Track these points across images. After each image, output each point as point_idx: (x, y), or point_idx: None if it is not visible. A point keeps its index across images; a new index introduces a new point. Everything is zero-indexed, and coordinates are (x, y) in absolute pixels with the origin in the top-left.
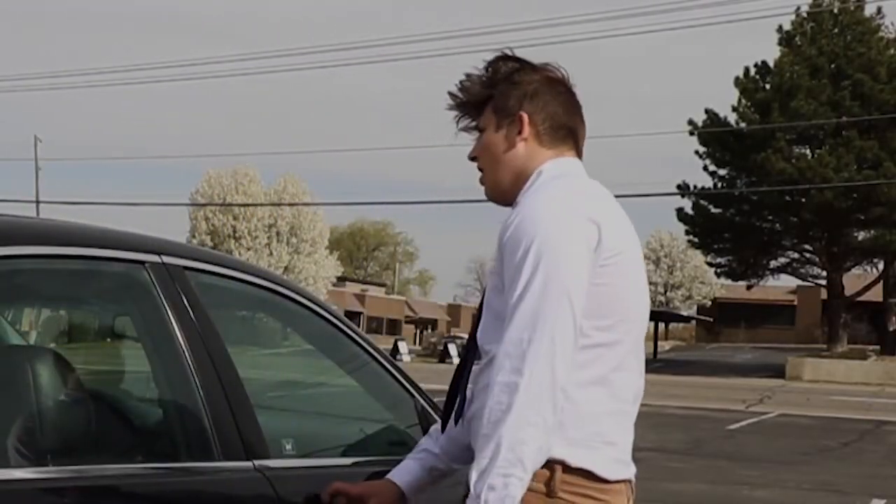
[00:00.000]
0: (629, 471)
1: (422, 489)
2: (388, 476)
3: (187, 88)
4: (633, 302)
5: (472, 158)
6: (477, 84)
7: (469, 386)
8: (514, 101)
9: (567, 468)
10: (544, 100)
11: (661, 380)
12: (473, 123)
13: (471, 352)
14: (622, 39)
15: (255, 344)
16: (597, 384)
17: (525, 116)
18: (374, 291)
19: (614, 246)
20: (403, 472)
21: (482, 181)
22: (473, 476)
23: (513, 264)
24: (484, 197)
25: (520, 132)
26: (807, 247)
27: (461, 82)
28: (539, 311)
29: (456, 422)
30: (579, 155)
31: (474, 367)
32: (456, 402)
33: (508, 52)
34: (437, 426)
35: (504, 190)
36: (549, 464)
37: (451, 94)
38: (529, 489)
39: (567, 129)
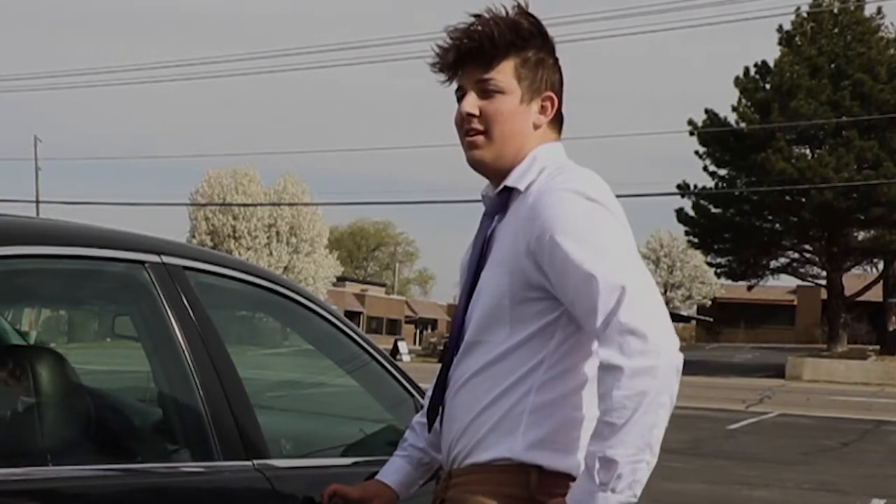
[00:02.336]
0: None
1: (412, 485)
2: (379, 476)
3: (187, 88)
4: None
5: (469, 115)
6: (503, 35)
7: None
8: (544, 77)
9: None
10: (560, 80)
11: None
12: (487, 77)
13: (453, 343)
14: (622, 39)
15: (255, 344)
16: (591, 383)
17: (555, 99)
18: (374, 291)
19: None
20: (393, 471)
21: (473, 144)
22: (595, 464)
23: (580, 248)
24: (479, 197)
25: (544, 113)
26: (807, 247)
27: (481, 27)
28: (646, 288)
29: (440, 414)
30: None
31: (455, 358)
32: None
33: (525, 5)
34: (418, 418)
35: (503, 166)
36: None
37: (463, 33)
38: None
39: (562, 117)
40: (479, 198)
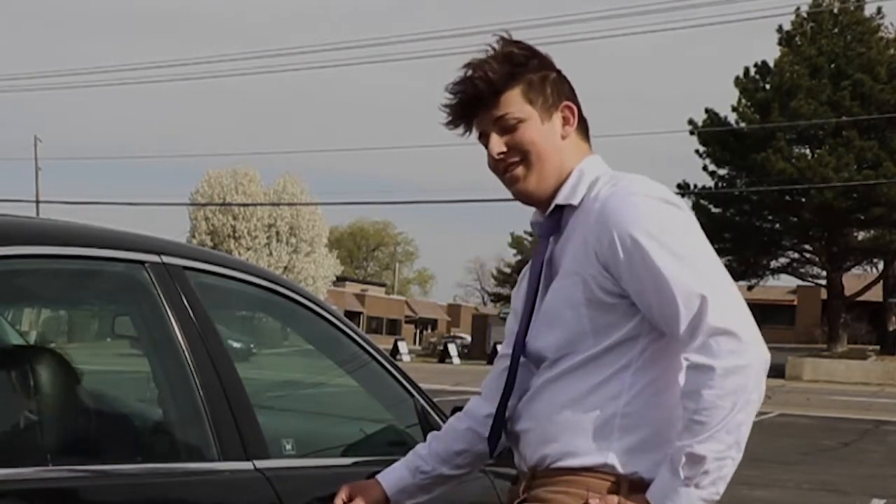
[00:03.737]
0: None
1: (405, 490)
2: (377, 476)
3: (187, 88)
4: None
5: (500, 154)
6: (498, 71)
7: (519, 394)
8: (554, 90)
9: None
10: (571, 88)
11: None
12: (501, 114)
13: (516, 360)
14: (622, 39)
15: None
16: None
17: (573, 106)
18: (373, 291)
19: None
20: (388, 473)
21: (515, 179)
22: (682, 459)
23: (662, 258)
24: (479, 197)
25: (567, 123)
26: (807, 247)
27: (475, 72)
28: (731, 289)
29: (504, 434)
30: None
31: (524, 374)
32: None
33: (508, 37)
34: (433, 433)
35: (548, 188)
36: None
37: (461, 84)
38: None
39: (587, 124)
40: (480, 198)
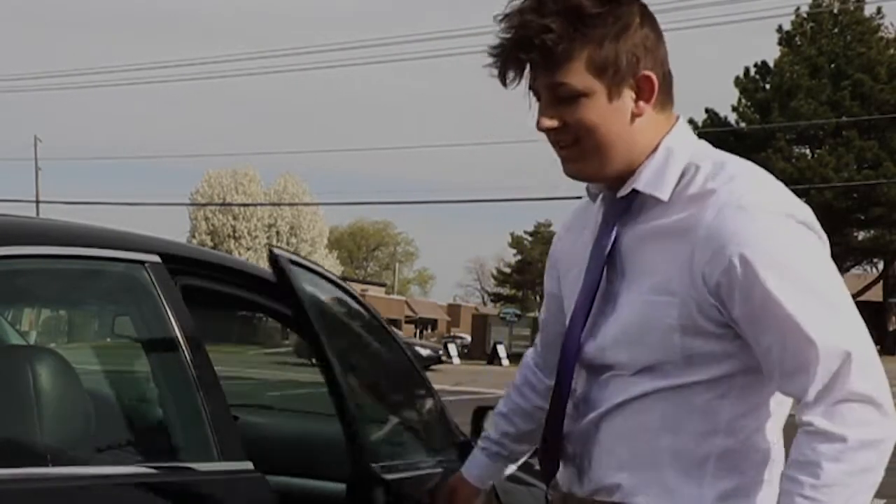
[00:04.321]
0: None
1: (492, 476)
2: (461, 469)
3: (188, 88)
4: None
5: (552, 129)
6: (560, 30)
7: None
8: (630, 57)
9: None
10: (653, 43)
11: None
12: (556, 81)
13: (570, 363)
14: None
15: (255, 344)
16: (775, 423)
17: (653, 77)
18: (374, 291)
19: None
20: (472, 466)
21: (568, 159)
22: None
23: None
24: (479, 197)
25: (645, 98)
26: None
27: (536, 17)
28: (871, 347)
29: (558, 445)
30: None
31: (578, 382)
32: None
33: None
34: (501, 408)
35: (614, 172)
36: None
37: (518, 24)
38: None
39: (670, 75)
40: (482, 198)
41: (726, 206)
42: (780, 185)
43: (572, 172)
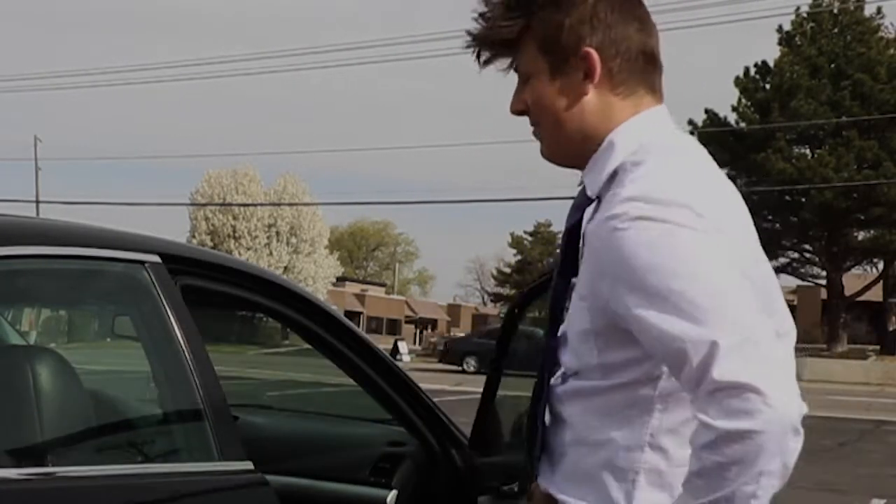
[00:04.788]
0: None
1: None
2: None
3: (187, 88)
4: None
5: (519, 112)
6: (505, 12)
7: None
8: (571, 34)
9: None
10: (610, 20)
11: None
12: (510, 64)
13: (548, 369)
14: None
15: (255, 344)
16: None
17: (593, 54)
18: (373, 291)
19: None
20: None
21: (537, 136)
22: None
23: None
24: (479, 197)
25: (588, 76)
26: (807, 247)
27: (481, 13)
28: (746, 331)
29: (539, 455)
30: (660, 92)
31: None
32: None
33: None
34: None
35: (568, 155)
36: None
37: (470, 32)
38: None
39: (645, 58)
40: (482, 198)
41: (603, 213)
42: (673, 178)
43: (543, 155)
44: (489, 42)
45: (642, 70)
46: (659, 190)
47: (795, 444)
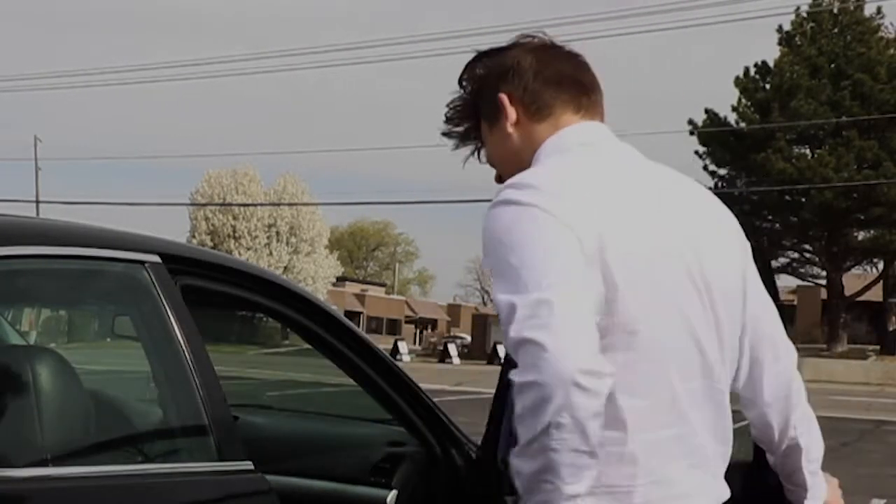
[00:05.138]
0: None
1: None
2: None
3: (187, 88)
4: None
5: (497, 177)
6: (461, 106)
7: None
8: (487, 91)
9: None
10: (521, 69)
11: None
12: (479, 144)
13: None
14: (622, 39)
15: (255, 344)
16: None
17: (503, 97)
18: (373, 291)
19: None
20: None
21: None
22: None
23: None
24: (479, 197)
25: (506, 117)
26: (807, 247)
27: (446, 115)
28: (538, 294)
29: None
30: (595, 111)
31: None
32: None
33: (479, 51)
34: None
35: None
36: None
37: (444, 134)
38: None
39: (557, 86)
40: (482, 198)
41: None
42: (534, 173)
43: None
44: (462, 134)
45: (563, 96)
46: (519, 178)
47: (582, 400)
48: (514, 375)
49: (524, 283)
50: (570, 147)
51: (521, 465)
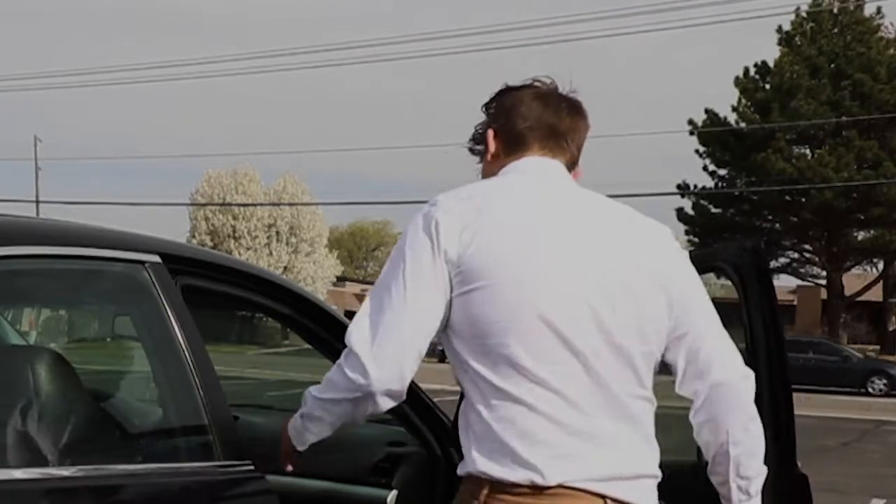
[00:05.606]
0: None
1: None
2: None
3: (187, 88)
4: None
5: None
6: (480, 130)
7: None
8: (486, 125)
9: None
10: (511, 111)
11: (660, 380)
12: None
13: None
14: (622, 39)
15: (255, 344)
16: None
17: (489, 133)
18: None
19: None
20: None
21: None
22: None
23: None
24: None
25: (488, 149)
26: (807, 247)
27: (472, 135)
28: (372, 308)
29: None
30: (559, 152)
31: None
32: None
33: (507, 85)
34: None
35: None
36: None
37: (469, 150)
38: None
39: (530, 129)
40: None
41: None
42: (452, 193)
43: None
44: (475, 154)
45: (535, 134)
46: (439, 195)
47: (365, 402)
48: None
49: (371, 294)
50: (510, 171)
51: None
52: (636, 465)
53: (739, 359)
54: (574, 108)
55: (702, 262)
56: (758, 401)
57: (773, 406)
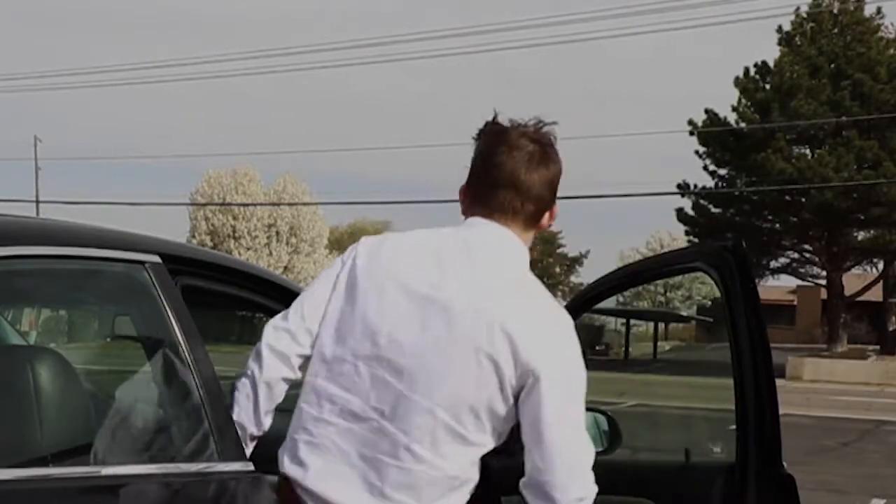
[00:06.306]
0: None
1: None
2: None
3: (187, 88)
4: None
5: None
6: None
7: None
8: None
9: None
10: (472, 166)
11: (660, 380)
12: None
13: None
14: (622, 39)
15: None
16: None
17: (462, 190)
18: None
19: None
20: None
21: None
22: None
23: None
24: None
25: (461, 203)
26: (807, 247)
27: None
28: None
29: None
30: (491, 207)
31: None
32: None
33: (489, 120)
34: None
35: None
36: None
37: None
38: None
39: (477, 188)
40: None
41: None
42: (373, 238)
43: None
44: None
45: (476, 198)
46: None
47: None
48: None
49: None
50: (450, 224)
51: None
52: None
53: None
54: (543, 157)
55: (683, 261)
56: (743, 400)
57: (758, 404)
